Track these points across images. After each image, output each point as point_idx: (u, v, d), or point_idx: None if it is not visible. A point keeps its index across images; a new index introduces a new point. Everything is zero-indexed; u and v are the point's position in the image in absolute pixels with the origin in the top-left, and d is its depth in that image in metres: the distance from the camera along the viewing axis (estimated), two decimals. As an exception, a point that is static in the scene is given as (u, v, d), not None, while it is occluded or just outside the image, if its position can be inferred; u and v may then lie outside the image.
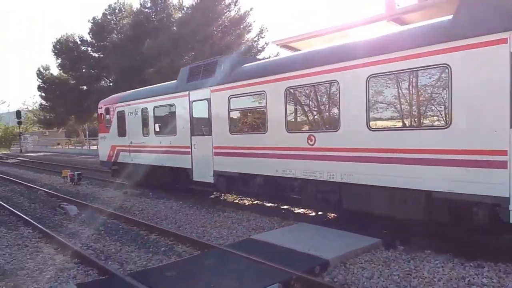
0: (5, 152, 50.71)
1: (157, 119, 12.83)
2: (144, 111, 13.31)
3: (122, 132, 14.71)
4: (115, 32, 33.55)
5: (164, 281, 5.12)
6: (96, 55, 36.01)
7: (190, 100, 11.05)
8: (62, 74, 38.36)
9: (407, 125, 6.43)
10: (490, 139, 5.36)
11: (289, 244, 6.38)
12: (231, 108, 9.69)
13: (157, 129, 12.83)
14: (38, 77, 39.99)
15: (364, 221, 7.35)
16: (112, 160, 15.40)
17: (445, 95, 5.82)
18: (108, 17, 34.79)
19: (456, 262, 5.73)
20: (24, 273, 6.01)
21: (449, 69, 5.72)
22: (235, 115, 9.81)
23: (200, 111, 10.75)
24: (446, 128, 5.82)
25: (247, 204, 10.81)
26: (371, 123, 6.78)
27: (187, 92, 11.17)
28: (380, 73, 6.60)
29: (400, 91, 6.50)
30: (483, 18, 5.45)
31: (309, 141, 7.85)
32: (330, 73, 7.37)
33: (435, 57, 5.85)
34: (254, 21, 32.53)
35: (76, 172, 16.32)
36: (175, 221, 9.18)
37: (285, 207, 9.88)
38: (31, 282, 5.65)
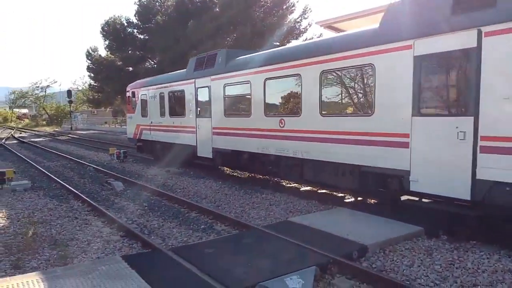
0: (57, 129, 53.73)
1: (171, 102, 14.67)
2: (162, 95, 15.16)
3: (144, 113, 16.74)
4: (160, 14, 34.02)
5: (204, 257, 5.27)
6: (142, 36, 36.78)
7: (196, 87, 12.78)
8: (110, 55, 39.63)
9: (347, 112, 7.99)
10: (399, 125, 6.76)
11: (326, 228, 6.34)
12: (225, 94, 11.36)
13: (171, 111, 14.66)
14: (87, 58, 41.63)
15: (406, 209, 7.16)
16: (137, 138, 17.54)
17: (368, 90, 7.42)
18: (154, -1, 35.36)
19: (503, 254, 5.49)
20: (73, 244, 6.40)
21: (373, 68, 7.13)
22: (229, 100, 11.40)
23: (203, 97, 12.50)
24: (371, 115, 7.26)
25: (285, 186, 10.82)
26: (322, 110, 8.24)
27: (193, 80, 12.95)
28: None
29: (343, 85, 8.07)
30: (397, 28, 6.77)
31: (280, 124, 9.49)
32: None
33: (363, 58, 7.33)
34: (297, 1, 31.68)
35: (122, 150, 17.06)
36: (215, 200, 9.39)
37: (323, 191, 9.80)
38: (80, 252, 6.02)
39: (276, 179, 11.53)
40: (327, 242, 5.71)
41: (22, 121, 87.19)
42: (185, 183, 11.66)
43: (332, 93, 8.25)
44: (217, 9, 29.67)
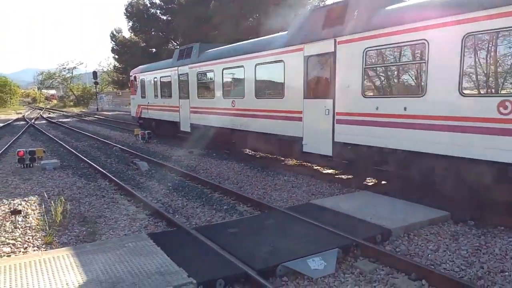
0: (83, 110, 55.02)
1: (161, 86, 17.62)
2: (155, 80, 18.16)
3: (143, 95, 19.67)
4: (183, -6, 33.91)
5: (226, 237, 5.35)
6: (165, 17, 36.82)
7: (178, 73, 15.75)
8: (133, 36, 39.94)
9: (270, 94, 10.92)
10: (298, 104, 9.49)
11: (349, 211, 6.31)
12: (198, 80, 14.24)
13: (162, 93, 17.62)
14: (112, 39, 42.12)
15: (432, 194, 7.02)
16: (138, 116, 20.55)
17: (281, 79, 10.08)
18: (176, -22, 35.16)
19: (534, 241, 5.32)
20: (101, 221, 6.61)
21: (284, 63, 9.89)
22: (201, 85, 14.25)
23: (184, 81, 15.35)
24: (282, 98, 10.08)
25: (308, 169, 10.78)
26: (256, 94, 11.22)
27: (176, 68, 15.87)
28: None
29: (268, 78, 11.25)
30: (295, 36, 9.61)
31: (232, 104, 12.19)
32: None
33: (276, 56, 10.15)
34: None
35: (146, 131, 17.34)
36: (237, 181, 9.47)
37: (346, 176, 9.72)
38: (108, 230, 6.21)
39: (296, 162, 11.53)
40: (350, 225, 5.68)
41: (50, 102, 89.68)
42: (208, 164, 11.79)
43: (264, 82, 11.11)
44: (240, -12, 29.21)
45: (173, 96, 16.49)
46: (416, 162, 7.01)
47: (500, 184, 5.81)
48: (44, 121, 33.72)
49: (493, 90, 5.96)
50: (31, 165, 10.93)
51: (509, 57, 5.74)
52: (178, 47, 35.21)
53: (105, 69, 64.69)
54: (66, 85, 76.05)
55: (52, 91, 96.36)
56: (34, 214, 6.93)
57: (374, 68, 7.74)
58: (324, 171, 10.32)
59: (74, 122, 32.05)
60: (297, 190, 8.49)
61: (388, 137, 7.38)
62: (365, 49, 7.69)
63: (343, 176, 9.60)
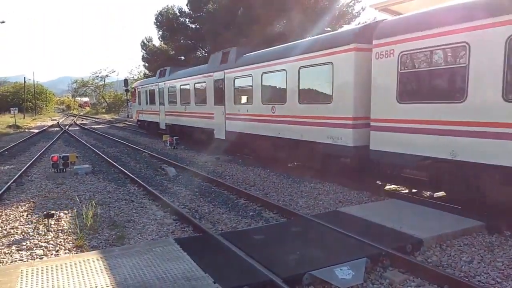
0: (115, 117, 56.59)
1: (147, 96, 24.33)
2: (146, 91, 24.63)
3: (139, 103, 26.32)
4: (211, 2, 34.40)
5: (252, 243, 5.32)
6: (193, 26, 37.47)
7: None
8: (163, 45, 40.83)
9: (199, 103, 17.07)
10: (209, 108, 15.82)
11: (378, 220, 6.15)
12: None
13: (148, 102, 24.30)
14: (142, 48, 43.22)
15: (465, 202, 6.76)
16: (137, 118, 27.71)
17: (209, 92, 15.73)
18: (205, -13, 35.78)
19: None
20: (130, 225, 6.73)
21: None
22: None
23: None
24: (206, 105, 15.94)
25: (334, 176, 10.61)
26: (195, 102, 17.47)
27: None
28: None
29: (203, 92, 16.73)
30: (211, 68, 15.71)
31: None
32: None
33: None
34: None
35: (174, 137, 17.63)
36: (263, 188, 9.44)
37: (375, 182, 9.50)
38: (136, 234, 6.31)
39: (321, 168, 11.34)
40: (379, 234, 5.53)
41: (83, 109, 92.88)
42: (234, 170, 11.83)
43: (200, 91, 16.71)
44: (267, -5, 29.39)
45: (156, 103, 20.74)
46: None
47: None
48: (77, 128, 34.90)
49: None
50: (64, 170, 11.30)
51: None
52: (206, 54, 35.77)
53: (135, 77, 66.45)
54: (99, 92, 78.58)
55: (85, 99, 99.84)
56: (66, 217, 7.14)
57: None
58: (352, 179, 10.12)
59: (106, 129, 33.01)
60: (323, 197, 8.37)
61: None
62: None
63: (372, 184, 9.39)
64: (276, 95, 11.30)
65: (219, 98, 14.72)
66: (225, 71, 14.20)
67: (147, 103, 24.35)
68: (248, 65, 12.68)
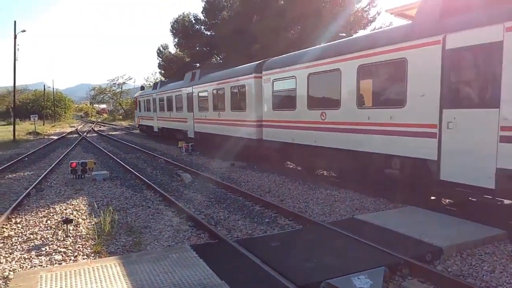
0: (132, 123, 57.33)
1: (145, 104, 29.49)
2: (144, 101, 29.54)
3: (140, 110, 31.52)
4: (226, 10, 34.73)
5: (268, 251, 5.30)
6: (208, 33, 37.88)
7: (155, 97, 26.22)
8: (179, 52, 41.34)
9: (175, 110, 22.60)
10: (186, 115, 20.73)
11: (396, 228, 6.05)
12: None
13: (145, 109, 29.18)
14: (158, 56, 43.83)
15: (485, 211, 6.60)
16: (138, 123, 33.16)
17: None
18: (220, -5, 36.18)
19: None
20: (147, 231, 6.79)
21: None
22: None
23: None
24: (183, 112, 20.73)
25: (351, 183, 10.51)
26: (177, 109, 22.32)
27: (152, 93, 26.91)
28: None
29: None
30: (185, 84, 20.80)
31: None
32: None
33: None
34: (366, -11, 30.35)
35: (190, 144, 17.77)
36: (278, 194, 9.40)
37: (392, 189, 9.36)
38: (153, 240, 6.36)
39: (334, 175, 11.26)
40: (397, 242, 5.44)
41: (101, 116, 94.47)
42: (249, 176, 11.83)
43: (179, 102, 21.43)
44: (282, 2, 29.52)
45: (184, 110, 20.80)
46: None
47: None
48: (95, 134, 35.49)
49: None
50: (82, 176, 11.49)
51: None
52: (221, 61, 36.07)
53: (152, 84, 67.28)
54: (116, 99, 79.80)
55: (103, 106, 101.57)
56: (85, 223, 7.25)
57: None
58: (369, 185, 10.00)
59: (123, 135, 33.48)
60: (340, 204, 8.29)
61: None
62: None
63: (389, 191, 9.25)
64: (220, 105, 16.28)
65: (190, 107, 19.61)
66: (193, 86, 19.17)
67: (145, 110, 29.49)
68: (206, 82, 17.60)
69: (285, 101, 11.68)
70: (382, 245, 5.20)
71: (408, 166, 7.80)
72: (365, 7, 28.46)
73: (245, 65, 15.10)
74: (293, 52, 12.74)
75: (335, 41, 11.06)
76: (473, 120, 6.46)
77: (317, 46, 11.90)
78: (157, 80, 28.79)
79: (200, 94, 18.31)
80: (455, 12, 6.85)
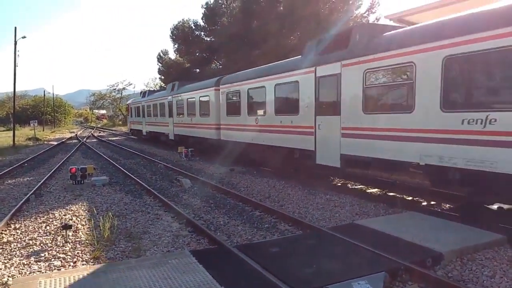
0: (131, 129, 57.38)
1: (136, 111, 32.23)
2: (135, 107, 32.59)
3: (131, 115, 34.80)
4: (226, 16, 34.90)
5: (268, 256, 5.28)
6: (208, 39, 38.02)
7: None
8: (179, 58, 41.48)
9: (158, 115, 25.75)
10: (167, 120, 23.91)
11: (397, 233, 6.04)
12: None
13: (136, 115, 32.25)
14: (158, 61, 43.97)
15: (485, 216, 6.59)
16: (130, 128, 36.48)
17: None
18: (220, 1, 36.35)
19: None
20: (146, 237, 6.76)
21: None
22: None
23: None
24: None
25: (350, 188, 10.52)
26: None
27: (142, 101, 30.38)
28: None
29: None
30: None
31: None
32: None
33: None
34: (365, -5, 30.51)
35: (189, 149, 17.76)
36: (278, 200, 9.39)
37: (392, 194, 9.37)
38: (152, 245, 6.33)
39: (339, 180, 11.30)
40: (397, 247, 5.43)
41: (101, 121, 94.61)
42: (248, 181, 11.82)
43: (162, 109, 24.68)
44: (281, 8, 29.68)
45: (166, 116, 23.61)
46: None
47: None
48: (95, 140, 35.50)
49: None
50: (82, 182, 11.47)
51: None
52: (220, 66, 36.17)
53: (152, 90, 67.40)
54: (116, 105, 79.93)
55: (103, 111, 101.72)
56: (84, 229, 7.23)
57: None
58: (369, 190, 10.01)
59: (122, 140, 33.49)
60: (339, 209, 8.28)
61: None
62: None
63: (389, 196, 9.26)
64: (192, 111, 19.39)
65: (171, 113, 22.62)
66: (172, 96, 22.25)
67: (136, 116, 32.75)
68: (183, 92, 20.79)
69: (234, 109, 14.90)
70: (382, 250, 5.18)
71: (302, 155, 11.07)
72: (364, 12, 28.63)
73: (209, 80, 18.48)
74: (240, 72, 15.83)
75: (264, 66, 14.38)
76: (330, 123, 9.67)
77: (253, 69, 14.81)
78: (145, 90, 32.86)
79: (178, 103, 21.44)
80: (322, 52, 10.11)
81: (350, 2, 28.20)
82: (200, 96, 18.26)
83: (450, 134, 6.65)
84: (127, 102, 40.34)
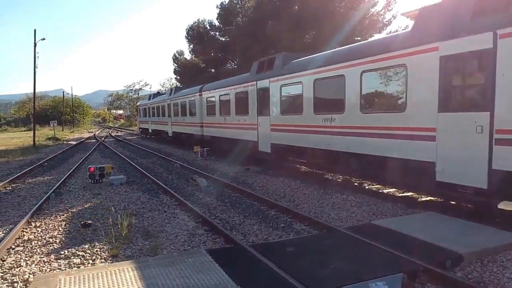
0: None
1: (143, 112, 37.41)
2: (143, 109, 37.23)
3: (140, 116, 40.45)
4: (240, 16, 34.96)
5: (284, 256, 5.27)
6: (223, 39, 38.17)
7: (141, 106, 38.95)
8: (194, 58, 41.76)
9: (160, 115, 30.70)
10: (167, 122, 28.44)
11: (415, 233, 5.94)
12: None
13: (144, 115, 37.14)
14: (174, 62, 44.37)
15: (505, 216, 6.43)
16: (139, 127, 41.67)
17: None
18: (234, 1, 36.43)
19: None
20: (163, 236, 6.83)
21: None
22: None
23: (156, 109, 31.52)
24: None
25: (367, 188, 10.40)
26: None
27: (145, 104, 37.33)
28: None
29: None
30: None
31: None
32: None
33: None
34: (381, -7, 30.07)
35: (205, 148, 17.87)
36: (293, 199, 9.36)
37: (410, 194, 9.23)
38: (169, 244, 6.40)
39: (356, 180, 11.19)
40: (416, 248, 5.34)
41: (118, 121, 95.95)
42: (264, 181, 11.81)
43: (163, 110, 29.10)
44: (296, 7, 29.55)
45: (166, 116, 28.21)
46: None
47: None
48: (112, 139, 36.04)
49: None
50: (100, 181, 11.66)
51: None
52: (235, 66, 36.28)
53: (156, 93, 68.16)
54: (133, 105, 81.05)
55: (120, 111, 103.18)
56: (102, 227, 7.34)
57: None
58: (386, 190, 9.89)
59: (139, 140, 33.91)
60: (356, 209, 8.20)
61: None
62: None
63: (406, 196, 9.12)
64: (182, 113, 23.83)
65: (169, 113, 26.81)
66: (171, 99, 26.39)
67: (144, 116, 37.22)
68: (178, 96, 24.81)
69: (211, 110, 18.88)
70: (400, 251, 5.11)
71: (249, 146, 14.80)
72: (381, 10, 28.23)
73: (195, 87, 22.17)
74: (215, 82, 20.11)
75: (229, 78, 18.77)
76: (265, 121, 13.55)
77: (223, 80, 19.20)
78: (154, 92, 40.08)
79: (174, 105, 25.62)
80: (259, 71, 14.33)
81: (366, 0, 27.86)
82: (189, 100, 22.18)
83: (320, 128, 10.60)
84: (137, 104, 47.69)
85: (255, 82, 14.14)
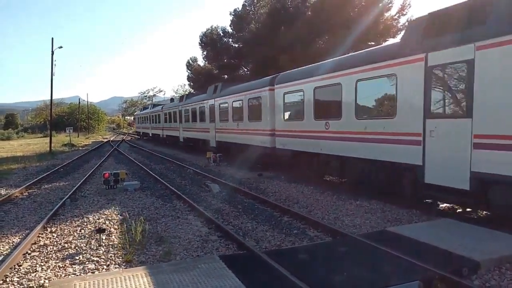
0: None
1: (142, 120, 48.64)
2: (141, 117, 48.87)
3: (137, 123, 55.92)
4: (253, 22, 35.16)
5: (298, 263, 5.23)
6: (236, 45, 38.41)
7: (136, 115, 57.11)
8: (207, 65, 42.09)
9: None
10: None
11: (431, 241, 5.83)
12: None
13: (141, 123, 49.62)
14: (187, 68, 44.79)
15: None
16: (136, 131, 57.29)
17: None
18: (247, 8, 36.65)
19: None
20: (176, 241, 6.85)
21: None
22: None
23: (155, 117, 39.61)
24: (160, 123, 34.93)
25: (382, 194, 10.26)
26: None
27: (146, 113, 45.80)
28: None
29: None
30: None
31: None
32: None
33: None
34: (395, -3, 29.86)
35: (218, 154, 17.93)
36: (306, 205, 9.30)
37: (426, 200, 9.07)
38: (182, 250, 6.41)
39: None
40: (432, 255, 5.24)
41: (132, 127, 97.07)
42: (276, 187, 11.78)
43: (157, 118, 38.55)
44: (309, 13, 29.58)
45: (160, 124, 35.36)
46: None
47: None
48: (127, 145, 36.45)
49: None
50: (115, 186, 11.78)
51: None
52: (248, 72, 36.43)
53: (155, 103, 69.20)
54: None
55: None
56: (117, 233, 7.41)
57: None
58: (401, 197, 9.73)
59: (153, 146, 34.21)
60: (371, 216, 8.10)
61: None
62: None
63: (422, 202, 8.98)
64: (168, 119, 31.86)
65: (162, 121, 33.40)
66: (163, 108, 33.10)
67: (142, 123, 46.46)
68: (175, 106, 29.48)
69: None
70: (416, 259, 5.02)
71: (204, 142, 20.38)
72: (395, 15, 28.04)
73: (202, 94, 24.16)
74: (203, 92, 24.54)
75: (194, 97, 24.79)
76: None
77: (196, 97, 25.17)
78: (154, 102, 50.48)
79: (167, 115, 31.71)
80: (214, 93, 20.21)
81: (380, 4, 27.71)
82: (200, 107, 23.91)
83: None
84: (135, 114, 60.94)
85: (213, 100, 20.43)
